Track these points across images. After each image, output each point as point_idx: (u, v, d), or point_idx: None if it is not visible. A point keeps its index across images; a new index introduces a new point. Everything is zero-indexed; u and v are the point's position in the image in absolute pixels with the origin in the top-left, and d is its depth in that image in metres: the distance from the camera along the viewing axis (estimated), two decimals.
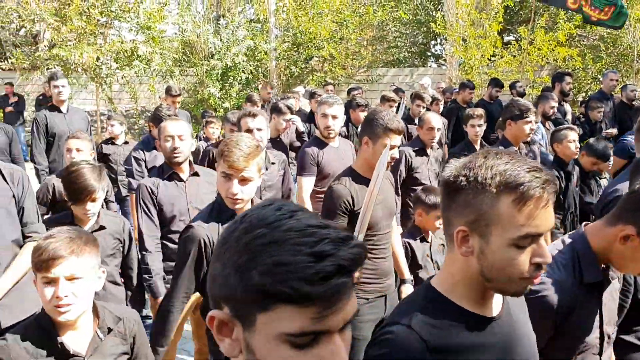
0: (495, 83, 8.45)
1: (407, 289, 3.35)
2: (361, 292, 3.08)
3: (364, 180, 3.03)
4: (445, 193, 1.37)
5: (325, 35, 14.73)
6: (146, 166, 4.81)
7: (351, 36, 15.26)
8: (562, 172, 4.57)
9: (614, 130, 7.74)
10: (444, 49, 17.71)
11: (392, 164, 3.23)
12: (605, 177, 5.46)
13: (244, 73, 14.82)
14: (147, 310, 4.41)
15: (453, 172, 1.34)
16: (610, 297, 1.89)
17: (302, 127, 6.10)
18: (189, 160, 3.60)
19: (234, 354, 0.90)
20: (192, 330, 3.76)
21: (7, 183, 2.79)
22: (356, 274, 0.87)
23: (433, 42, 19.97)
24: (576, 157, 4.77)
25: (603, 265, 1.81)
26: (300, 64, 15.28)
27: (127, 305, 3.21)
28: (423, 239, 3.80)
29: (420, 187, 4.21)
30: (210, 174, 3.73)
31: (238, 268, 0.85)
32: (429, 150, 4.93)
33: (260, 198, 3.65)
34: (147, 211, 3.41)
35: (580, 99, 13.33)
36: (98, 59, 12.89)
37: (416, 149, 4.87)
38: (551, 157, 5.00)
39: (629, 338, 2.39)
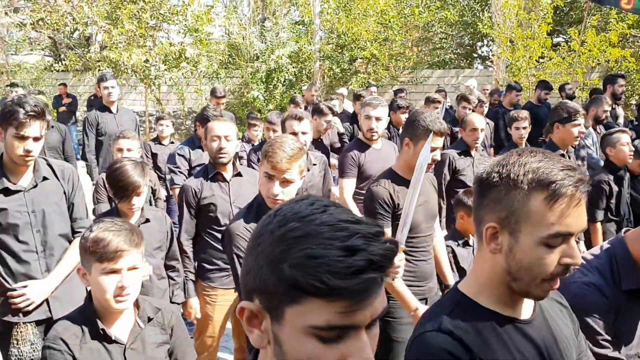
0: (544, 85, 8.24)
1: None
2: None
3: (404, 182, 3.00)
4: (477, 190, 1.38)
5: (369, 37, 14.69)
6: (190, 165, 4.89)
7: (396, 37, 15.17)
8: (614, 177, 4.43)
9: None
10: (490, 50, 17.42)
11: (434, 166, 3.20)
12: None
13: (288, 75, 14.93)
14: None
15: (487, 169, 1.34)
16: None
17: (341, 128, 6.11)
18: (233, 161, 3.65)
19: (262, 344, 0.92)
20: (232, 328, 3.81)
21: (58, 180, 2.90)
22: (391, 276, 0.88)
23: (479, 43, 19.65)
24: (630, 161, 4.59)
25: None
26: (343, 66, 15.28)
27: (171, 299, 3.27)
28: (466, 243, 3.74)
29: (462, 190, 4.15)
30: (253, 175, 3.76)
31: (270, 261, 0.87)
32: (473, 152, 4.85)
33: None
34: (188, 212, 3.47)
35: (633, 102, 12.86)
36: (147, 61, 13.21)
37: (460, 151, 4.80)
38: (602, 163, 4.84)
39: None
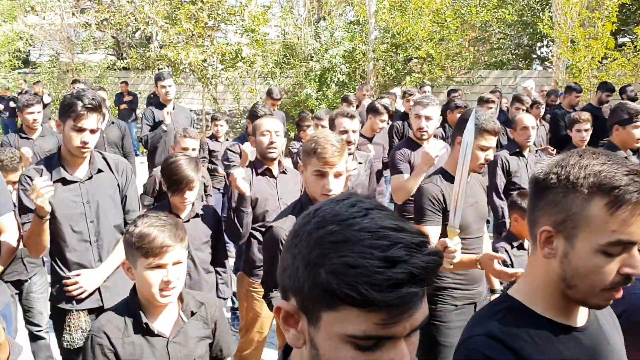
0: (606, 87, 7.90)
1: None
2: (449, 298, 3.00)
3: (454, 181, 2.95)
4: (533, 191, 1.31)
5: (424, 36, 14.51)
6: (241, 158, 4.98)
7: (452, 37, 14.92)
8: None
9: None
10: (550, 50, 16.87)
11: (485, 166, 3.11)
12: None
13: (341, 74, 14.93)
14: None
15: (544, 169, 1.27)
16: None
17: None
18: (279, 158, 3.68)
19: (298, 344, 0.91)
20: (277, 325, 3.82)
21: (113, 172, 3.00)
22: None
23: (539, 43, 19.07)
24: None
25: None
26: (398, 65, 15.16)
27: (217, 293, 3.32)
28: (521, 246, 3.61)
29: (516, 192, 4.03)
30: (296, 174, 3.79)
31: (307, 263, 0.84)
32: (526, 153, 4.70)
33: None
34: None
35: None
36: (205, 60, 13.50)
37: (512, 152, 4.67)
38: None
39: None
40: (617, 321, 1.43)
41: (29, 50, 19.58)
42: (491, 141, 2.95)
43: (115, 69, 17.98)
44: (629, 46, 12.18)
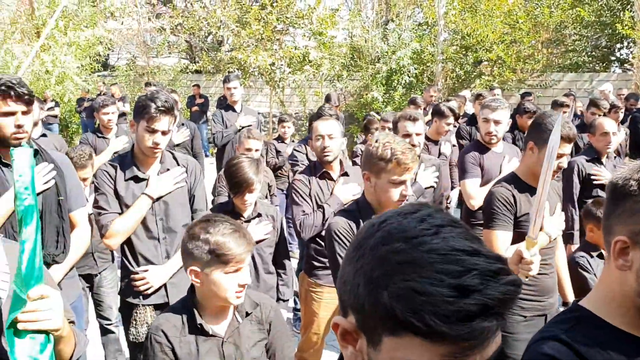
0: None
1: None
2: (518, 309, 2.87)
3: (526, 188, 2.83)
4: (610, 198, 1.22)
5: (495, 38, 14.12)
6: (308, 159, 5.00)
7: (524, 39, 14.43)
8: None
9: None
10: (631, 52, 16.01)
11: (561, 174, 2.97)
12: None
13: (409, 76, 14.77)
14: None
15: (624, 175, 1.19)
16: None
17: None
18: (340, 160, 3.66)
19: None
20: None
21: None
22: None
23: (618, 45, 18.14)
24: None
25: None
26: (467, 67, 14.83)
27: (277, 293, 3.34)
28: (601, 255, 3.40)
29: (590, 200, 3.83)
30: (359, 175, 3.74)
31: (369, 281, 0.77)
32: (604, 160, 4.46)
33: None
34: (302, 197, 3.50)
35: None
36: (273, 64, 13.71)
37: (589, 158, 4.43)
38: None
39: None
40: None
41: (108, 54, 20.50)
42: (566, 148, 2.81)
43: (187, 72, 18.56)
44: None
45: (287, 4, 13.81)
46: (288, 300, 3.41)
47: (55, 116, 14.55)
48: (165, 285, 2.96)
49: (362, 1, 18.56)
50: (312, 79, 15.63)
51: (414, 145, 3.90)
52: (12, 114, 2.56)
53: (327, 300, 3.46)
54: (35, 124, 4.80)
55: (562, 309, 3.17)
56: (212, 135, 6.37)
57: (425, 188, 3.77)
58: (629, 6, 14.46)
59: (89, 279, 4.04)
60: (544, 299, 2.92)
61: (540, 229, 2.32)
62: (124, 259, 3.01)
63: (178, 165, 3.07)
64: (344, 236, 2.50)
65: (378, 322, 0.76)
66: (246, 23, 13.90)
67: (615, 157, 4.72)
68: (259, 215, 3.20)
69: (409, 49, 14.68)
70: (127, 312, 2.99)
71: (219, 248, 1.89)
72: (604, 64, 18.18)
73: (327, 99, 7.38)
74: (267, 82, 14.63)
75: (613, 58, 18.72)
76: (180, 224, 3.03)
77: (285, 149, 6.26)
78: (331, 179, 3.57)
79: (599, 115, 6.25)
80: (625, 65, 17.62)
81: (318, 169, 3.59)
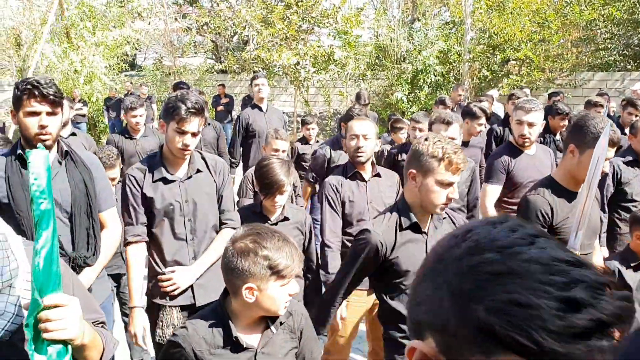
0: None
1: None
2: None
3: (565, 193, 2.74)
4: None
5: (523, 37, 13.90)
6: (329, 163, 4.94)
7: (553, 38, 14.17)
8: None
9: None
10: None
11: (600, 178, 2.86)
12: None
13: (435, 76, 14.62)
14: None
15: None
16: None
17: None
18: (372, 161, 3.61)
19: None
20: (367, 331, 3.75)
21: (211, 172, 3.05)
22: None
23: None
24: None
25: None
26: (494, 67, 14.63)
27: (305, 297, 3.29)
28: (637, 267, 3.28)
29: (631, 204, 3.70)
30: (392, 176, 3.69)
31: (456, 296, 0.70)
32: None
33: None
34: (332, 207, 3.47)
35: None
36: (298, 63, 13.70)
37: (627, 160, 4.29)
38: None
39: None
40: None
41: (135, 54, 20.74)
42: (609, 152, 2.71)
43: (213, 72, 18.66)
44: None
45: (313, 4, 13.78)
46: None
47: (84, 115, 14.76)
48: (192, 286, 2.94)
49: (387, 0, 18.45)
50: (336, 79, 15.59)
51: None
52: (37, 114, 2.56)
53: (355, 303, 3.41)
54: (65, 124, 4.84)
55: None
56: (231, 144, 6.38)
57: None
58: None
59: (116, 278, 4.06)
60: None
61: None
62: (152, 260, 2.99)
63: (207, 165, 3.05)
64: (377, 250, 2.44)
65: (467, 342, 0.68)
66: (270, 22, 13.92)
67: None
68: (287, 218, 3.16)
69: (435, 49, 14.53)
70: (153, 312, 2.97)
71: (279, 263, 1.83)
72: (636, 63, 17.76)
73: (358, 97, 7.31)
74: (291, 82, 14.64)
75: None
76: (208, 225, 3.01)
77: (310, 150, 6.21)
78: (363, 179, 3.53)
79: (637, 116, 6.08)
80: None
81: (350, 169, 3.55)
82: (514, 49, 14.23)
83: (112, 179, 3.92)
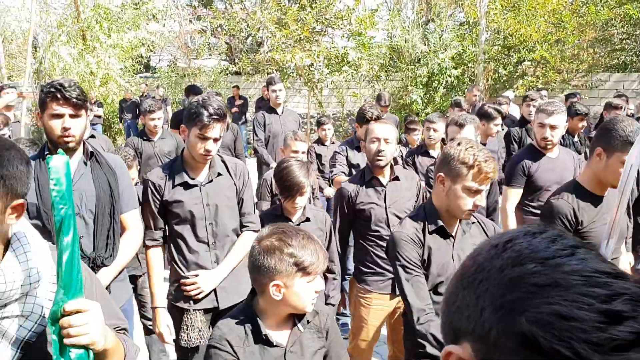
0: None
1: None
2: None
3: (590, 197, 2.70)
4: None
5: (538, 38, 13.79)
6: (348, 162, 4.93)
7: (569, 38, 14.04)
8: None
9: None
10: None
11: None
12: None
13: (450, 77, 14.56)
14: None
15: None
16: None
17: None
18: (391, 164, 3.57)
19: None
20: (387, 335, 3.74)
21: (231, 176, 3.06)
22: None
23: None
24: None
25: None
26: (509, 68, 14.53)
27: (326, 299, 3.29)
28: None
29: None
30: (412, 178, 3.67)
31: (498, 306, 0.70)
32: None
33: None
34: (340, 218, 3.49)
35: None
36: (312, 64, 13.71)
37: None
38: None
39: None
40: None
41: (150, 56, 20.87)
42: None
43: (227, 74, 18.73)
44: None
45: (326, 5, 13.78)
46: (336, 305, 3.37)
47: (100, 117, 14.88)
48: (215, 289, 2.95)
49: (402, 1, 18.40)
50: (350, 80, 15.57)
51: None
52: (60, 116, 2.59)
53: (377, 307, 3.41)
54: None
55: None
56: (254, 146, 6.39)
57: None
58: None
59: (132, 280, 4.07)
60: None
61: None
62: (174, 264, 3.00)
63: (227, 169, 3.05)
64: (408, 250, 2.42)
65: (508, 353, 0.69)
66: (284, 24, 13.95)
67: None
68: (308, 219, 3.16)
69: (451, 51, 14.46)
70: (177, 316, 2.99)
71: (304, 260, 1.87)
72: None
73: (378, 98, 7.29)
74: (305, 83, 14.64)
75: None
76: (229, 228, 3.02)
77: (326, 151, 6.21)
78: (381, 184, 3.49)
79: None
80: None
81: (367, 174, 3.52)
82: (529, 50, 14.13)
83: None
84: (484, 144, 5.07)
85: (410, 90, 14.96)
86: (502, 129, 6.03)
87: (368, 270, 3.45)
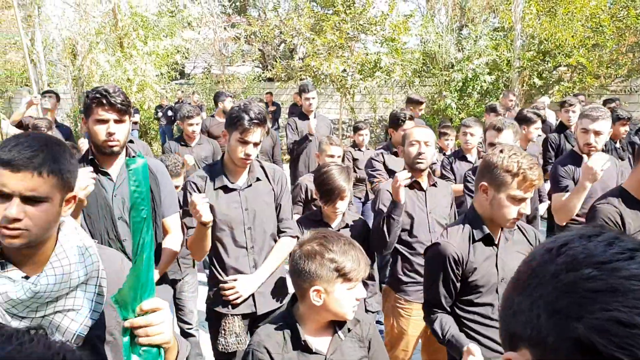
0: None
1: None
2: None
3: (637, 204, 2.63)
4: None
5: (575, 42, 13.52)
6: (386, 167, 4.92)
7: (607, 43, 13.73)
8: None
9: None
10: None
11: None
12: None
13: (484, 83, 14.39)
14: None
15: None
16: None
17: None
18: (429, 170, 3.54)
19: None
20: (422, 343, 3.70)
21: (270, 181, 3.07)
22: None
23: None
24: None
25: None
26: (545, 74, 14.28)
27: (365, 306, 3.26)
28: None
29: None
30: (446, 186, 3.62)
31: (554, 311, 0.69)
32: None
33: None
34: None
35: None
36: (344, 70, 13.72)
37: None
38: None
39: None
40: None
41: (184, 63, 21.18)
42: None
43: (260, 80, 18.88)
44: None
45: (361, 11, 13.79)
46: (376, 312, 3.33)
47: (136, 122, 15.16)
48: (253, 294, 2.96)
49: (435, 7, 18.30)
50: (383, 85, 15.52)
51: None
52: (105, 121, 2.64)
53: (416, 317, 3.33)
54: None
55: None
56: (288, 144, 6.42)
57: None
58: None
59: (172, 284, 4.12)
60: None
61: None
62: (212, 268, 3.03)
63: (266, 174, 3.07)
64: (452, 266, 2.38)
65: (565, 358, 0.68)
66: (320, 31, 14.00)
67: None
68: (347, 225, 3.14)
69: (486, 57, 14.29)
70: (214, 321, 3.01)
71: (345, 266, 1.85)
72: None
73: (409, 100, 7.23)
74: (337, 89, 14.66)
75: None
76: (267, 234, 3.03)
77: (362, 156, 6.21)
78: (421, 189, 3.45)
79: None
80: None
81: None
82: (566, 55, 13.86)
83: (177, 187, 4.00)
84: (524, 149, 4.98)
85: (444, 95, 14.84)
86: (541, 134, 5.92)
87: (408, 280, 3.38)
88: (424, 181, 3.47)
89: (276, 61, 17.93)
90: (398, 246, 3.42)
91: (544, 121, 5.87)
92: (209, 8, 17.93)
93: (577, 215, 3.66)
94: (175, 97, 16.24)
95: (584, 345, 0.65)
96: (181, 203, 3.10)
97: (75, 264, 1.50)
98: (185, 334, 4.22)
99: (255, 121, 2.81)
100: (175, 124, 14.13)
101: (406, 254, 3.40)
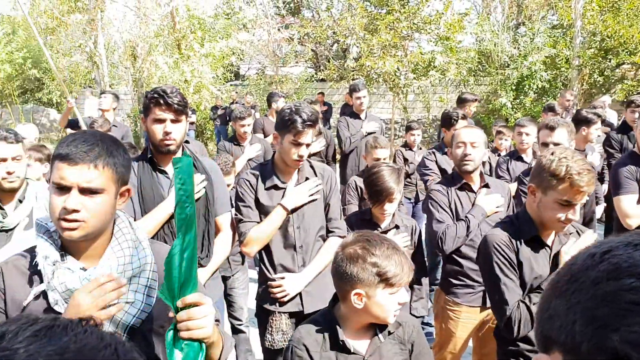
0: None
1: None
2: None
3: None
4: None
5: None
6: (439, 166, 4.86)
7: None
8: None
9: None
10: None
11: None
12: None
13: (541, 82, 13.99)
14: None
15: None
16: None
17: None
18: (480, 171, 3.47)
19: None
20: (474, 346, 3.64)
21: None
22: None
23: None
24: None
25: None
26: (607, 72, 13.75)
27: (410, 310, 3.25)
28: None
29: None
30: (503, 187, 3.54)
31: (590, 319, 0.67)
32: None
33: None
34: (441, 213, 3.35)
35: None
36: (398, 69, 13.64)
37: None
38: None
39: None
40: None
41: (239, 65, 21.53)
42: None
43: (313, 81, 18.99)
44: None
45: (415, 10, 13.68)
46: (422, 317, 3.30)
47: (192, 123, 15.54)
48: (300, 293, 2.99)
49: (491, 5, 17.93)
50: (437, 85, 15.34)
51: None
52: (162, 121, 2.72)
53: (465, 320, 3.32)
54: None
55: None
56: (341, 141, 6.43)
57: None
58: None
59: (222, 280, 4.21)
60: None
61: None
62: (262, 266, 3.07)
63: (315, 174, 3.10)
64: (504, 250, 2.35)
65: None
66: (374, 30, 13.97)
67: None
68: (397, 227, 3.13)
69: (542, 53, 13.89)
70: (263, 317, 3.05)
71: (388, 271, 1.83)
72: None
73: (459, 100, 7.11)
74: (390, 89, 14.58)
75: None
76: (316, 233, 3.05)
77: (414, 157, 6.16)
78: (471, 190, 3.39)
79: None
80: None
81: (457, 179, 3.42)
82: (630, 53, 13.30)
83: (228, 185, 4.09)
84: (583, 151, 4.81)
85: (499, 94, 14.52)
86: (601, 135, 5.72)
87: (458, 283, 3.34)
88: (474, 183, 3.41)
89: (329, 61, 17.99)
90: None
91: (603, 121, 5.64)
92: (264, 10, 18.18)
93: None
94: (230, 99, 16.54)
95: (619, 358, 0.63)
96: (232, 201, 3.17)
97: (128, 256, 1.57)
98: (236, 330, 4.29)
99: (308, 123, 2.85)
100: (229, 124, 14.39)
101: (456, 257, 3.35)
